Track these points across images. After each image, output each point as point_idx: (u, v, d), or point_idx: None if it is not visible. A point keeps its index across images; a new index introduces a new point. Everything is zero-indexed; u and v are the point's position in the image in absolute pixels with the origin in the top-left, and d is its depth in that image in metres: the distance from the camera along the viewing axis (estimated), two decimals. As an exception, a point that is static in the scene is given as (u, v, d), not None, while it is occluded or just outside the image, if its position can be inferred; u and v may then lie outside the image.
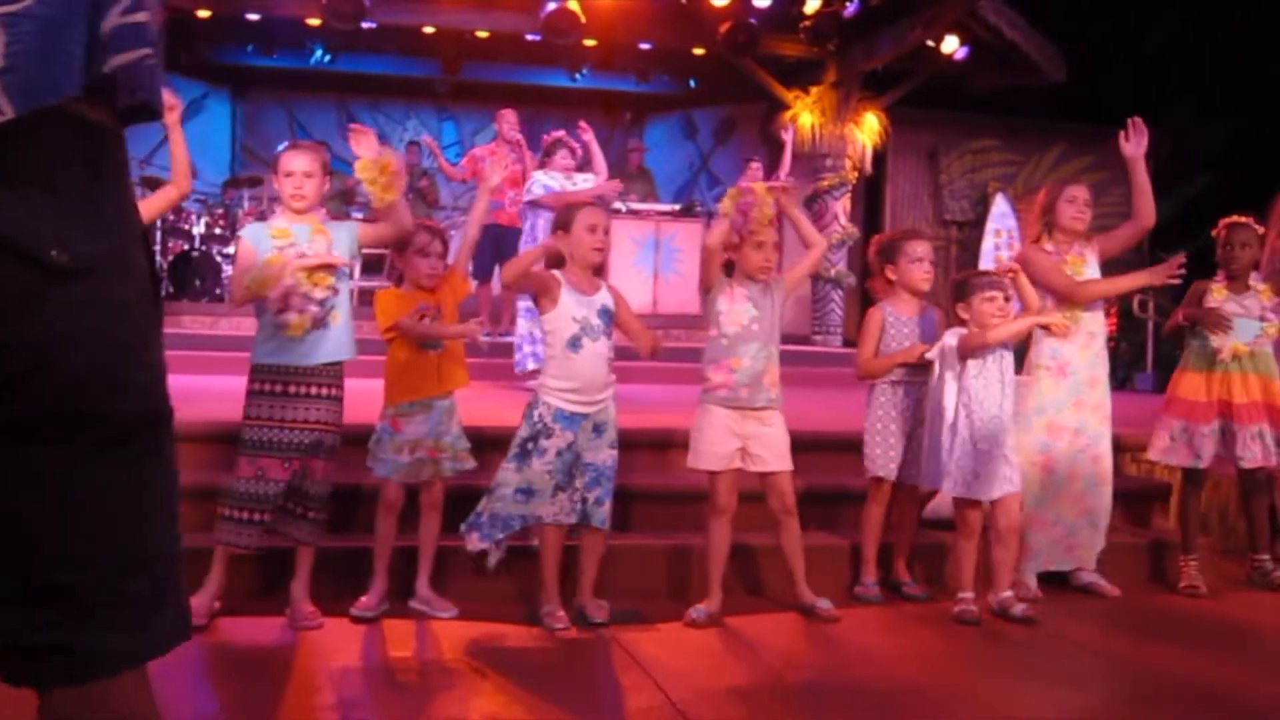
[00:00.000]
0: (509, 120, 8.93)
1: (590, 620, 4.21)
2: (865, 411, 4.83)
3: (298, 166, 4.09)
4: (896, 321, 4.77)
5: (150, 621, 1.42)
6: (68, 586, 1.34)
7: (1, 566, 1.35)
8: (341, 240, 4.15)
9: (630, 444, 5.35)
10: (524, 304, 7.05)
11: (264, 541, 4.04)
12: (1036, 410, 4.89)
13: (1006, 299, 4.54)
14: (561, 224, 4.31)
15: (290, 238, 4.06)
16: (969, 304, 4.53)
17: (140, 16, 1.33)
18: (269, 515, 3.99)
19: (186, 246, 10.76)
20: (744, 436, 4.35)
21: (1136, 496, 5.74)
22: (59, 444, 1.32)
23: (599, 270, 4.36)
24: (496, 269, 8.50)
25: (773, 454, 4.38)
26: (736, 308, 4.38)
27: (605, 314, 4.26)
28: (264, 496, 3.98)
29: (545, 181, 7.26)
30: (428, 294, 4.29)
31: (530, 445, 4.15)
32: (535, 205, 7.25)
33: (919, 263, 4.78)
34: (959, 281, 4.67)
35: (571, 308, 4.20)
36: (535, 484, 4.13)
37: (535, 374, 6.32)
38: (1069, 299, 4.86)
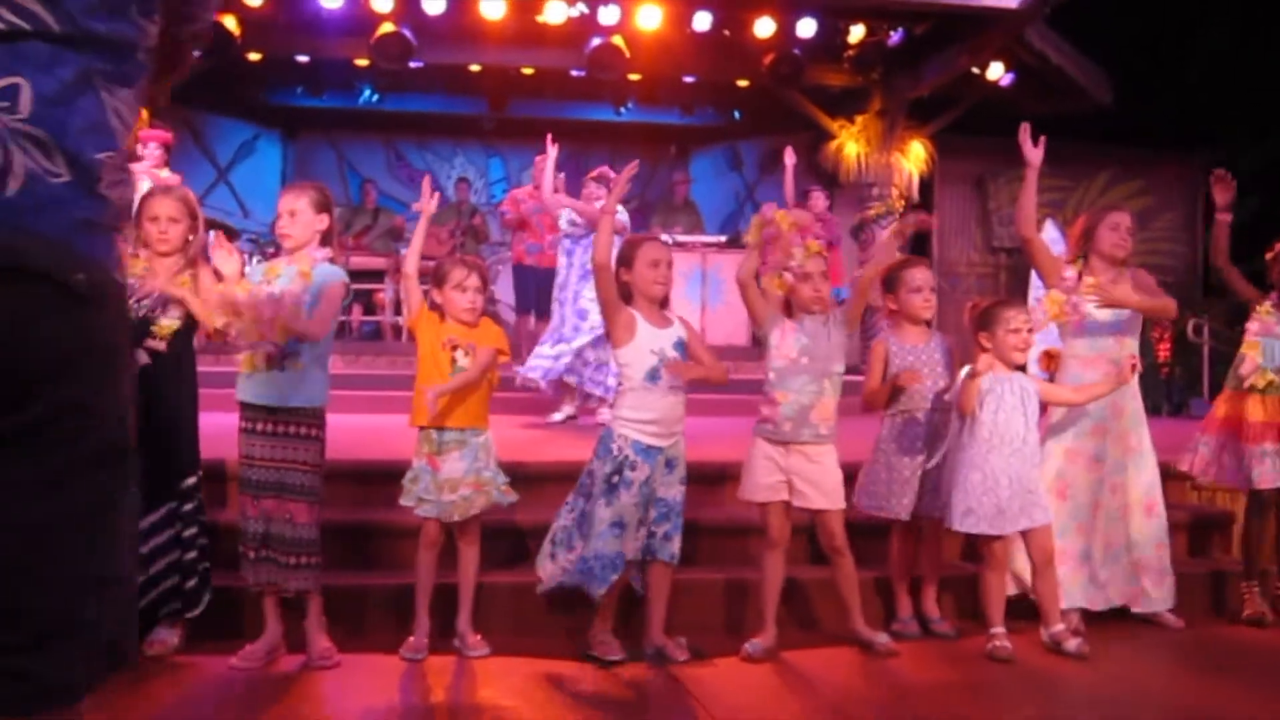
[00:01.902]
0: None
1: (671, 659, 4.17)
2: (873, 445, 4.74)
3: (283, 206, 4.25)
4: (901, 351, 4.70)
5: (99, 652, 1.45)
6: (30, 610, 1.36)
7: None
8: (321, 280, 4.17)
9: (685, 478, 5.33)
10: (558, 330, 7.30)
11: (272, 577, 4.06)
12: (1054, 436, 4.79)
13: (1030, 330, 4.49)
14: (624, 259, 4.31)
15: (275, 275, 4.18)
16: (992, 334, 4.47)
17: None
18: (259, 551, 4.05)
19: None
20: (787, 471, 4.32)
21: (1195, 526, 5.64)
22: (41, 461, 1.37)
23: (664, 303, 4.37)
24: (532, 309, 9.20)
25: (818, 492, 4.33)
26: (786, 340, 4.36)
27: (680, 346, 4.27)
28: (252, 534, 4.06)
29: (571, 217, 7.60)
30: (466, 328, 4.31)
31: (615, 479, 4.12)
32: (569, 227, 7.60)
33: (918, 292, 4.70)
34: (984, 309, 4.59)
35: (649, 340, 4.20)
36: (626, 518, 4.10)
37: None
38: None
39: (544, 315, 8.95)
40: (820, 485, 4.33)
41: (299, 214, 4.20)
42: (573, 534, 4.18)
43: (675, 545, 4.23)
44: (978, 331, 4.54)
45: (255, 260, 11.09)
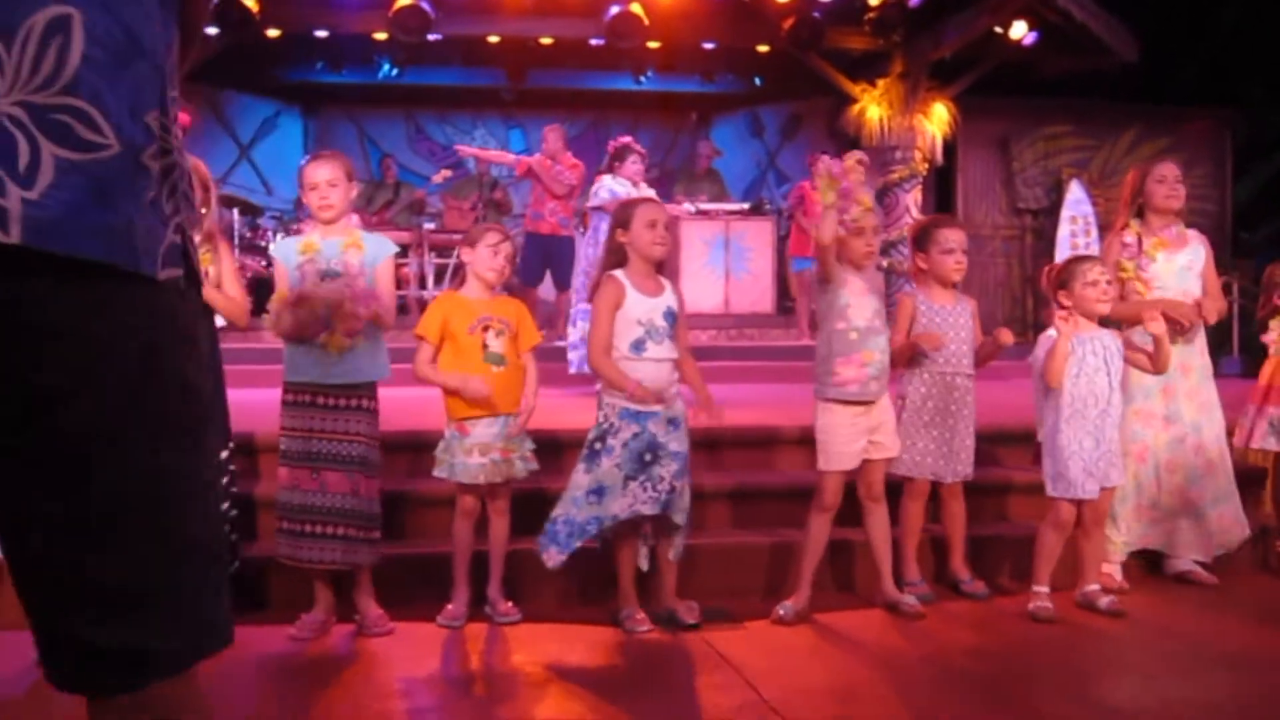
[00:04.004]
0: (552, 136, 9.55)
1: (682, 623, 4.19)
2: (900, 407, 4.68)
3: (321, 177, 4.11)
4: (929, 310, 4.65)
5: (206, 620, 1.40)
6: (127, 583, 1.32)
7: (61, 564, 1.33)
8: (376, 255, 4.16)
9: (723, 443, 5.36)
10: (581, 307, 7.17)
11: (322, 554, 4.03)
12: (1125, 398, 4.76)
13: (1109, 283, 4.46)
14: (620, 222, 4.25)
15: (315, 251, 4.10)
16: (1071, 290, 4.42)
17: None
18: (312, 526, 4.01)
19: (264, 263, 10.94)
20: (870, 429, 4.34)
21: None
22: (120, 433, 1.32)
23: (663, 268, 4.30)
24: (548, 275, 9.46)
25: (891, 439, 4.40)
26: (864, 301, 4.32)
27: (670, 315, 4.18)
28: (303, 507, 4.02)
29: (612, 186, 7.32)
30: (492, 303, 4.30)
31: (598, 445, 4.11)
32: (599, 210, 7.30)
33: (950, 253, 4.65)
34: (1059, 268, 4.54)
35: (635, 310, 4.13)
36: (605, 482, 4.08)
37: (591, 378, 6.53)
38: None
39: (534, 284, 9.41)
40: (892, 434, 4.42)
41: (339, 184, 4.12)
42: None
43: (687, 502, 4.18)
44: (1056, 292, 4.49)
45: (280, 236, 11.14)
